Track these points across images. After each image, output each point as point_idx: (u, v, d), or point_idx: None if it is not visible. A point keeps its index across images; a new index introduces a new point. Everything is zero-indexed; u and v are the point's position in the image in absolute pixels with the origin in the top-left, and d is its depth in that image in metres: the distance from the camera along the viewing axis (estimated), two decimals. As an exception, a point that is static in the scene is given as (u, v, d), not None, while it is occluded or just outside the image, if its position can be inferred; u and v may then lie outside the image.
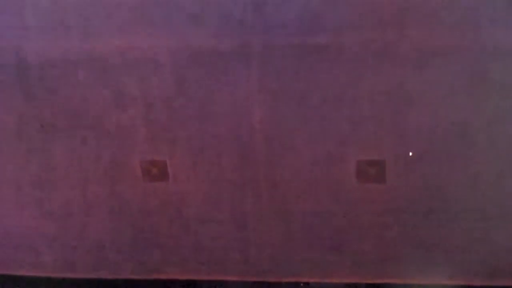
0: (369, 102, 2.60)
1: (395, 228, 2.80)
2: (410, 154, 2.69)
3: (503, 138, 2.62)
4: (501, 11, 2.41)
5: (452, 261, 2.81)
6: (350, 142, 2.69)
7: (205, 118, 2.71)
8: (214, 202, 2.88)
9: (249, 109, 2.66)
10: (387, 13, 2.45)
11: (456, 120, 2.61)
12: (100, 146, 2.83)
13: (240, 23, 2.53)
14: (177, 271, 3.03)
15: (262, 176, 2.80)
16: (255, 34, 2.54)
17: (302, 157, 2.74)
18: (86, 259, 3.06)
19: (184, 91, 2.67)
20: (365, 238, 2.83)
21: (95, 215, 2.97)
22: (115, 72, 2.68)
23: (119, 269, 3.05)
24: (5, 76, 2.73)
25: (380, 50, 2.51)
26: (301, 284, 2.94)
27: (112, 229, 2.98)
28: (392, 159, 2.72)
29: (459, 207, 2.73)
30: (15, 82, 2.74)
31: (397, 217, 2.79)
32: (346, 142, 2.69)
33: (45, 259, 3.08)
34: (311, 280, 2.94)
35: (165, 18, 2.56)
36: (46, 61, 2.69)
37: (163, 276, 3.04)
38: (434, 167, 2.69)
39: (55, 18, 2.62)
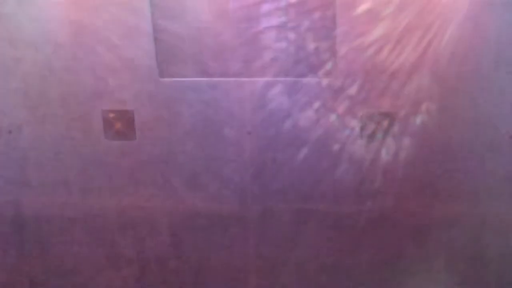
0: (367, 271, 2.55)
1: None
2: (412, 325, 2.60)
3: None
4: (498, 181, 2.44)
5: None
6: (348, 312, 2.61)
7: (200, 283, 2.64)
8: None
9: (245, 275, 2.60)
10: (384, 182, 2.48)
11: (459, 289, 2.56)
12: (90, 307, 2.74)
13: (239, 187, 2.56)
14: None
15: None
16: (253, 199, 2.55)
17: (299, 327, 2.64)
18: None
19: (179, 253, 2.63)
20: None
21: None
22: (111, 231, 2.66)
23: None
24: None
25: (377, 218, 2.51)
26: None
27: None
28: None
29: None
30: (9, 236, 2.71)
31: None
32: (344, 313, 2.61)
33: None
34: None
35: (164, 179, 2.59)
36: (42, 216, 2.68)
37: None
38: None
39: (57, 175, 2.65)
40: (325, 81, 2.47)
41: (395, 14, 2.40)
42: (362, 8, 2.42)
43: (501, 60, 2.34)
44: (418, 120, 2.44)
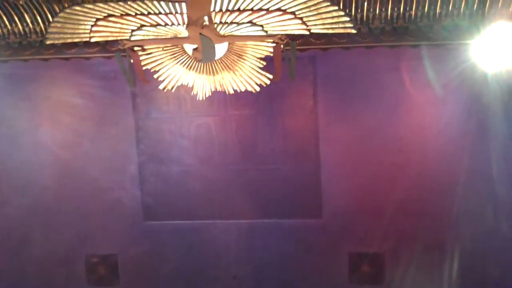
0: None
1: None
2: None
3: None
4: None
5: None
6: None
7: None
8: None
9: None
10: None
11: None
12: None
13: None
14: None
15: None
16: None
17: None
18: None
19: None
20: None
21: None
22: None
23: None
24: None
25: None
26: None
27: None
28: None
29: None
30: None
31: None
32: None
33: None
34: None
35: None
36: None
37: None
38: None
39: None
40: (311, 222, 2.46)
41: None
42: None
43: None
44: (408, 260, 2.41)
